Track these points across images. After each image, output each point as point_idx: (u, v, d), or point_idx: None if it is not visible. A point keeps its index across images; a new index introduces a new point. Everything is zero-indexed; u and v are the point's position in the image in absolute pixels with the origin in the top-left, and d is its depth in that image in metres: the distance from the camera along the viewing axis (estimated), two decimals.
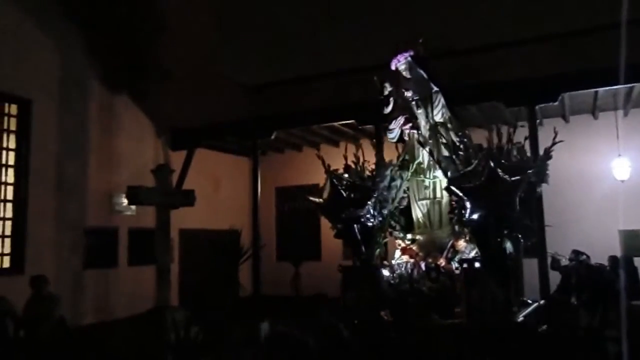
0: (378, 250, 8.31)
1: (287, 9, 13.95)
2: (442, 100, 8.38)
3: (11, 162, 9.44)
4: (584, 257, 8.79)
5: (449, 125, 8.38)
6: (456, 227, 8.09)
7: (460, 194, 7.26)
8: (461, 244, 8.07)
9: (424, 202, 8.60)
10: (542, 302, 8.34)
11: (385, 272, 8.07)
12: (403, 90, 8.64)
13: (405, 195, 8.73)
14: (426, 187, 8.60)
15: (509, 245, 7.33)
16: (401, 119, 8.70)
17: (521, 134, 8.19)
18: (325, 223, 9.82)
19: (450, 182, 7.41)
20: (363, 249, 8.11)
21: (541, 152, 8.14)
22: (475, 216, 7.13)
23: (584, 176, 11.11)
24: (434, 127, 8.46)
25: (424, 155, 8.55)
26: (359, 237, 8.08)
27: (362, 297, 7.49)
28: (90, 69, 10.73)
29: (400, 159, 8.68)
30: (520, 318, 7.11)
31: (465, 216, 7.26)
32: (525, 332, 6.61)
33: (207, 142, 12.50)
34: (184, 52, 11.80)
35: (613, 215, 9.96)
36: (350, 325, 6.68)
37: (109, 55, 10.89)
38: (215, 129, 12.01)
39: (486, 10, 11.90)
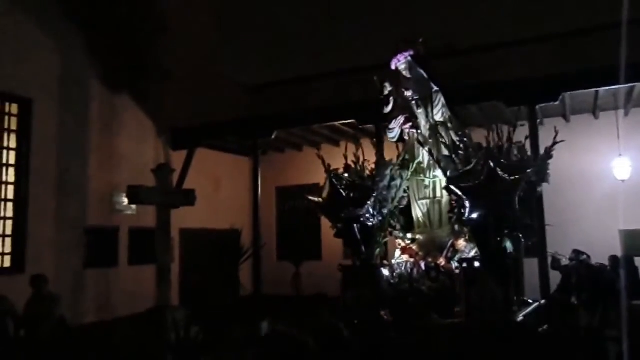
0: (378, 249, 8.32)
1: (287, 9, 13.97)
2: (442, 99, 8.39)
3: (12, 161, 9.45)
4: (585, 256, 8.78)
5: (449, 125, 8.39)
6: (456, 227, 8.10)
7: (460, 194, 7.27)
8: (461, 243, 8.08)
9: (424, 201, 8.61)
10: (542, 301, 8.34)
11: (385, 272, 8.08)
12: (403, 89, 8.66)
13: (405, 194, 8.73)
14: (426, 187, 8.61)
15: (508, 245, 7.34)
16: (401, 119, 8.72)
17: (522, 134, 8.20)
18: (325, 223, 9.82)
19: (450, 181, 7.42)
20: (363, 248, 8.12)
21: (542, 151, 8.14)
22: (474, 215, 7.14)
23: (584, 176, 11.09)
24: (434, 127, 8.47)
25: (424, 155, 8.56)
26: (358, 236, 8.10)
27: (362, 296, 7.49)
28: (90, 68, 10.74)
29: (400, 158, 8.69)
30: (520, 318, 7.11)
31: (464, 215, 7.27)
32: (525, 331, 6.60)
33: (207, 141, 12.49)
34: (184, 52, 11.82)
35: (613, 215, 9.95)
36: (350, 325, 6.67)
37: (109, 55, 10.91)
38: (216, 128, 12.01)
39: (486, 10, 11.92)
